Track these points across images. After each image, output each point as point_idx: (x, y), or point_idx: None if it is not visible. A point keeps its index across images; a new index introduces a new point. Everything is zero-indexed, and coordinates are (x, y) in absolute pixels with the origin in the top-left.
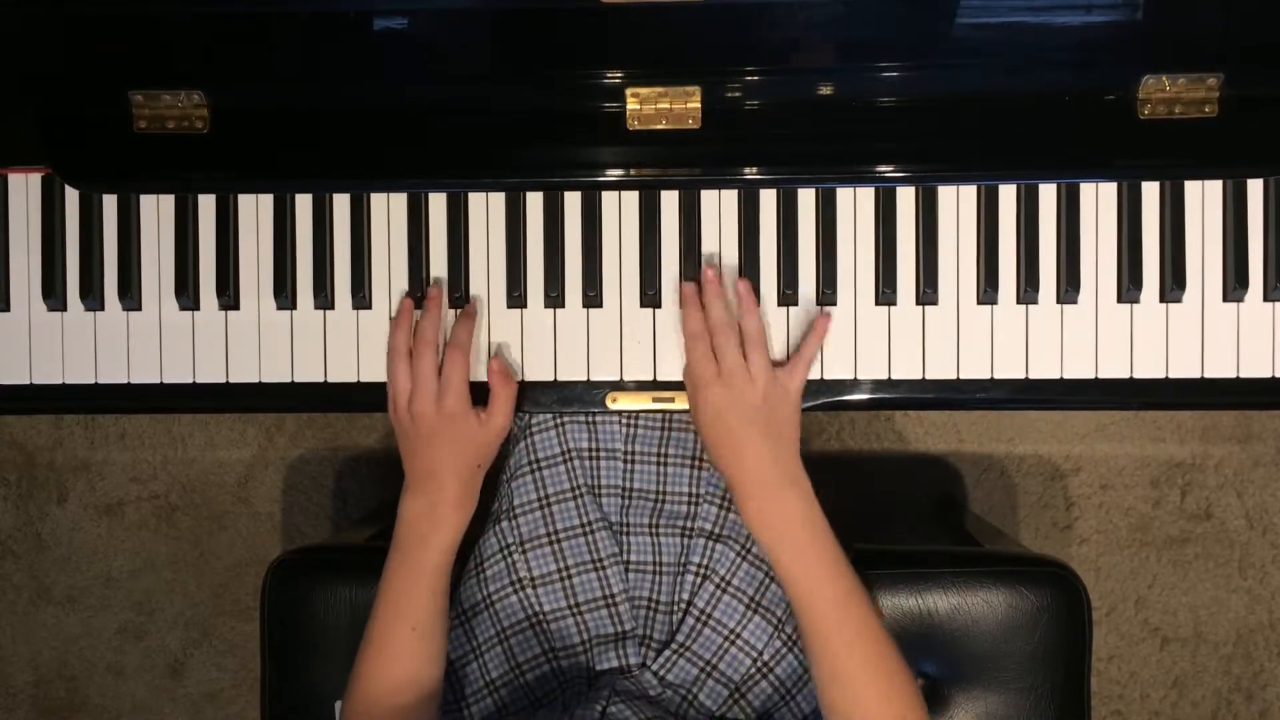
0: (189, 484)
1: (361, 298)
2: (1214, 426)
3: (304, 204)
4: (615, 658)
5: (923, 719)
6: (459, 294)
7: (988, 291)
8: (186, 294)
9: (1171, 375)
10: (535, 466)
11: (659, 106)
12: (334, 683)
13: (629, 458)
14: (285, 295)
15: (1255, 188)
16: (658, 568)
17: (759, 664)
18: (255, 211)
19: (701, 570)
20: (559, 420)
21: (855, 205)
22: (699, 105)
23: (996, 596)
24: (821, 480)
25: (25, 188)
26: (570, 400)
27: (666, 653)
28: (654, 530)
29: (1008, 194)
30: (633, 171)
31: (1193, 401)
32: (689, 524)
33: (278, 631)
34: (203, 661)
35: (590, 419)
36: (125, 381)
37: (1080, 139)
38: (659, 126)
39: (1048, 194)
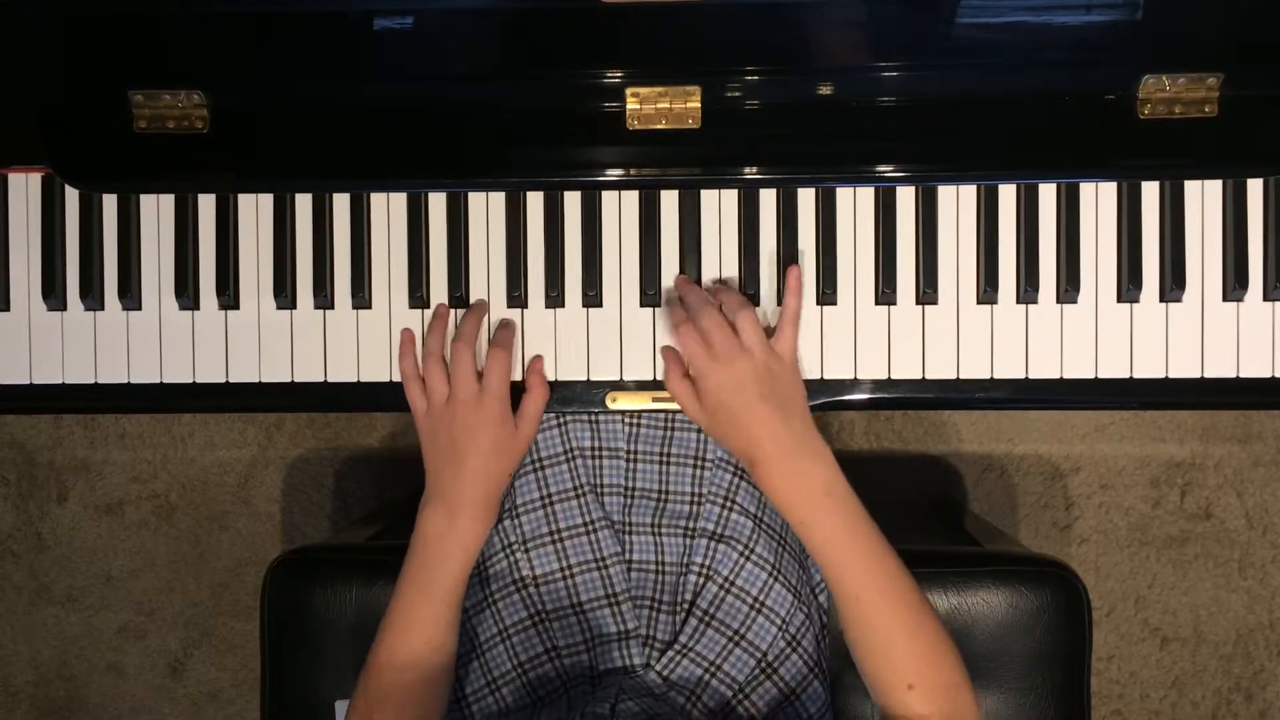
0: (189, 484)
1: (361, 298)
2: (1214, 426)
3: (304, 204)
4: (619, 657)
5: (964, 681)
6: (459, 293)
7: (988, 291)
8: (186, 294)
9: (1171, 375)
10: (538, 465)
11: (659, 106)
12: (334, 682)
13: (631, 457)
14: (285, 295)
15: (1255, 188)
16: (660, 567)
17: (763, 665)
18: (255, 211)
19: (704, 571)
20: (561, 419)
21: (855, 205)
22: (699, 105)
23: (996, 596)
24: None
25: (25, 188)
26: (570, 400)
27: (670, 653)
28: (656, 530)
29: (1008, 194)
30: (633, 171)
31: (1193, 401)
32: (691, 524)
33: (278, 631)
34: (203, 661)
35: (593, 418)
36: (125, 381)
37: (1080, 139)
38: (659, 126)
39: (1048, 194)
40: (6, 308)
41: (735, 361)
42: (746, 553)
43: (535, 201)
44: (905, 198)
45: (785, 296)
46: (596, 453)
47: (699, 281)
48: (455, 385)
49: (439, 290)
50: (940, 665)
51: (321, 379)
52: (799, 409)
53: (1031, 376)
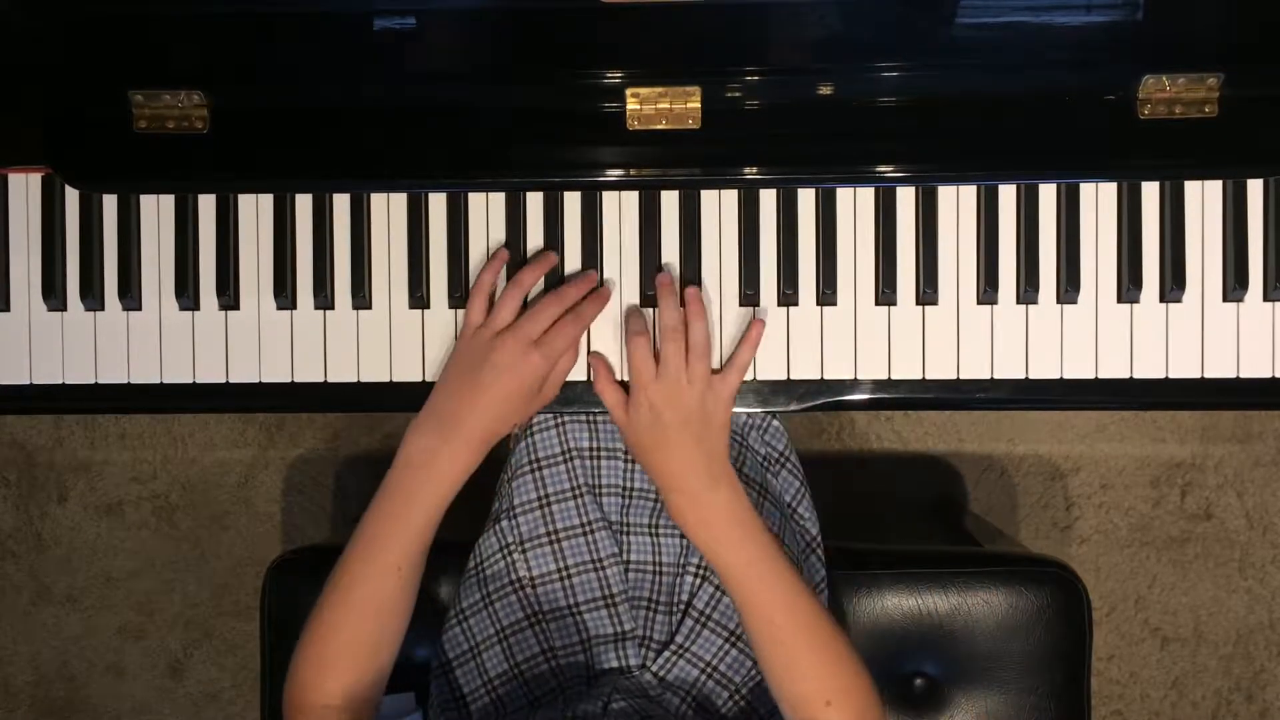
0: (189, 484)
1: (361, 298)
2: (1214, 426)
3: (304, 204)
4: (615, 658)
5: (875, 695)
6: (459, 293)
7: (988, 291)
8: (186, 294)
9: (1171, 375)
10: (535, 466)
11: (659, 106)
12: None
13: (629, 457)
14: (285, 295)
15: (1255, 188)
16: (657, 568)
17: (759, 666)
18: (255, 211)
19: (701, 571)
20: (559, 420)
21: (855, 205)
22: (699, 105)
23: (996, 596)
24: (821, 480)
25: (25, 188)
26: (571, 400)
27: (666, 654)
28: (653, 530)
29: (1008, 194)
30: (633, 171)
31: (1193, 401)
32: None
33: (278, 632)
34: (203, 661)
35: (591, 419)
36: (125, 381)
37: (1080, 139)
38: (659, 126)
39: (1048, 194)
40: (6, 308)
41: (677, 387)
42: None
43: (535, 202)
44: (905, 198)
45: (741, 345)
46: (595, 453)
47: (698, 282)
48: (521, 323)
49: (439, 290)
50: (853, 683)
51: (321, 379)
52: (719, 449)
53: (1031, 377)
